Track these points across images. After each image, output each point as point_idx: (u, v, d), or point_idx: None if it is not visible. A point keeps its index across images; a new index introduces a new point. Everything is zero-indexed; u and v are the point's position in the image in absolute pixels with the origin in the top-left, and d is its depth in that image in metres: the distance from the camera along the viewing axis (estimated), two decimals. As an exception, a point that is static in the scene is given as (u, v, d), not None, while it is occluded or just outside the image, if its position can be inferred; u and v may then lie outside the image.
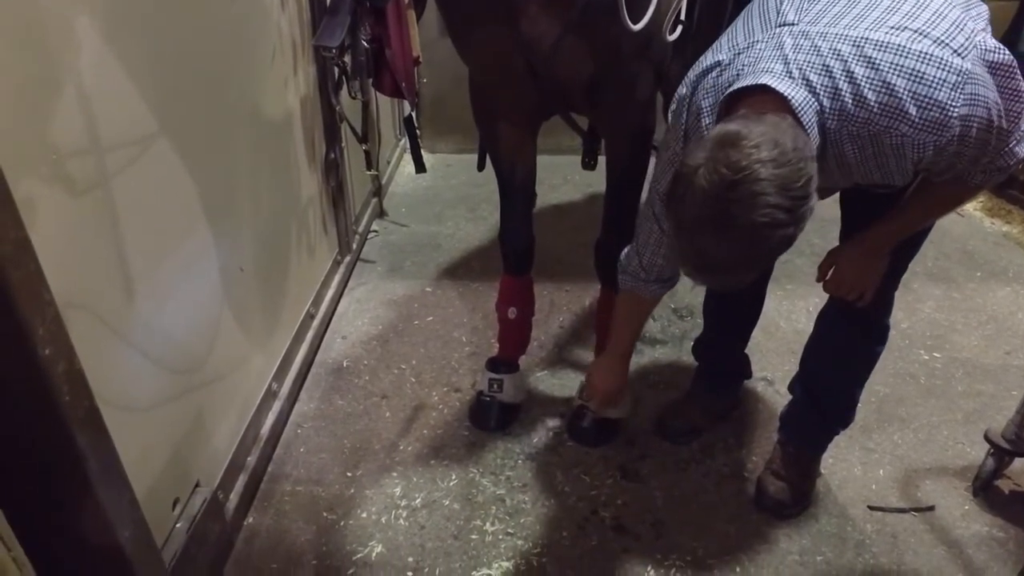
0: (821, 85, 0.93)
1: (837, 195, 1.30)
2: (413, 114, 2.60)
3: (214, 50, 1.30)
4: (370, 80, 2.19)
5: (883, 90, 0.90)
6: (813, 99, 0.93)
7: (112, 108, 0.94)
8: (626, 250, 1.33)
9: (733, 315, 1.64)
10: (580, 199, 3.08)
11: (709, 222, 0.86)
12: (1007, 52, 0.95)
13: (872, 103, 0.90)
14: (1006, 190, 3.10)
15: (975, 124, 0.91)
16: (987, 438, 1.48)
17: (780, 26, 1.01)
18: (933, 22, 0.92)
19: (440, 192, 3.19)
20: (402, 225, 2.83)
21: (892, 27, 0.92)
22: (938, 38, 0.91)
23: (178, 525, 1.11)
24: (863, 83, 0.90)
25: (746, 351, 1.72)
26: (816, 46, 0.95)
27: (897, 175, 1.00)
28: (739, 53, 1.02)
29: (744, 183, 0.83)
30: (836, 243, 1.33)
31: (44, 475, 0.73)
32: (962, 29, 0.92)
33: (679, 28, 1.14)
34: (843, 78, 0.92)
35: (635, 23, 0.92)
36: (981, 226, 2.92)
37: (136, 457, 1.00)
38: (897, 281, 1.29)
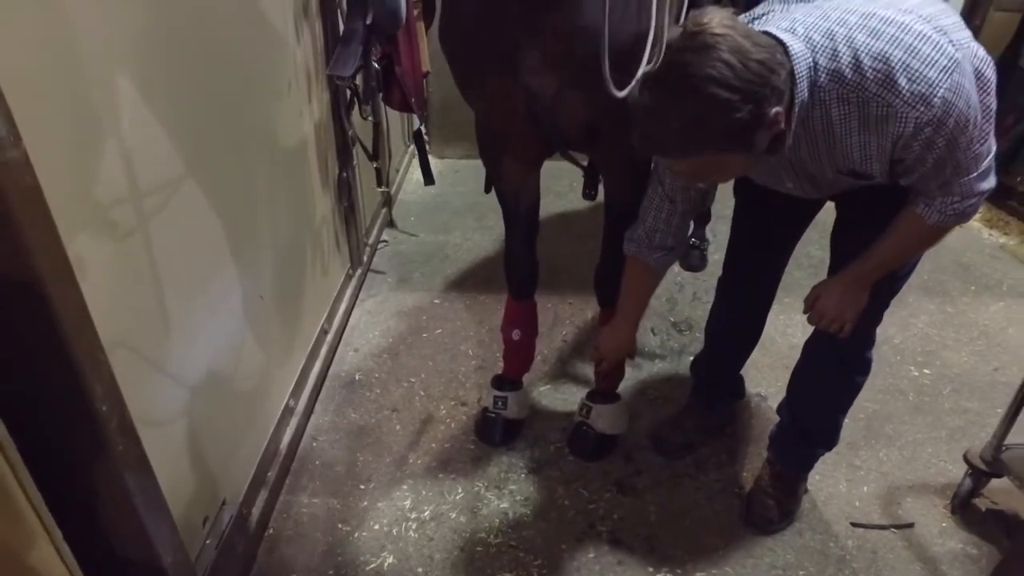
0: (821, 45, 1.01)
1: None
2: (422, 128, 2.69)
3: (236, 88, 1.38)
4: (380, 95, 2.27)
5: (879, 58, 0.97)
6: (809, 54, 1.01)
7: (147, 156, 1.03)
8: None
9: (734, 337, 1.72)
10: (585, 208, 3.15)
11: (666, 73, 0.95)
12: (993, 68, 1.05)
13: (867, 68, 0.98)
14: (1005, 201, 3.16)
15: (953, 115, 0.98)
16: (966, 459, 1.56)
17: (795, 2, 1.11)
18: (938, 16, 1.01)
19: (448, 199, 3.27)
20: (411, 235, 2.92)
21: (901, 9, 1.01)
22: (940, 26, 0.99)
23: (208, 542, 1.21)
24: (862, 49, 0.98)
25: (741, 371, 1.80)
26: (825, 13, 1.04)
27: (876, 160, 1.06)
28: (754, 18, 1.12)
29: (702, 35, 0.93)
30: (829, 254, 1.42)
31: (96, 510, 0.83)
32: (962, 29, 1.02)
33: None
34: (844, 42, 0.99)
35: (622, 87, 0.99)
36: (979, 237, 2.97)
37: (172, 481, 1.10)
38: (879, 318, 1.36)
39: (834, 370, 1.44)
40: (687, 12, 1.30)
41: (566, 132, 1.30)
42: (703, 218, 2.67)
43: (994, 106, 1.07)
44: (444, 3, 1.30)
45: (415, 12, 2.42)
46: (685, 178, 1.21)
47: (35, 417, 0.70)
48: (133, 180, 0.98)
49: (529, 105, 1.25)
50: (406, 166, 3.47)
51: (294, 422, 1.72)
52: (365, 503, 1.61)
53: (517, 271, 1.65)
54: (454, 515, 1.59)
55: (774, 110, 0.97)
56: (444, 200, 3.25)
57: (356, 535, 1.53)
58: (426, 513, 1.59)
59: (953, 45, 0.98)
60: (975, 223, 3.08)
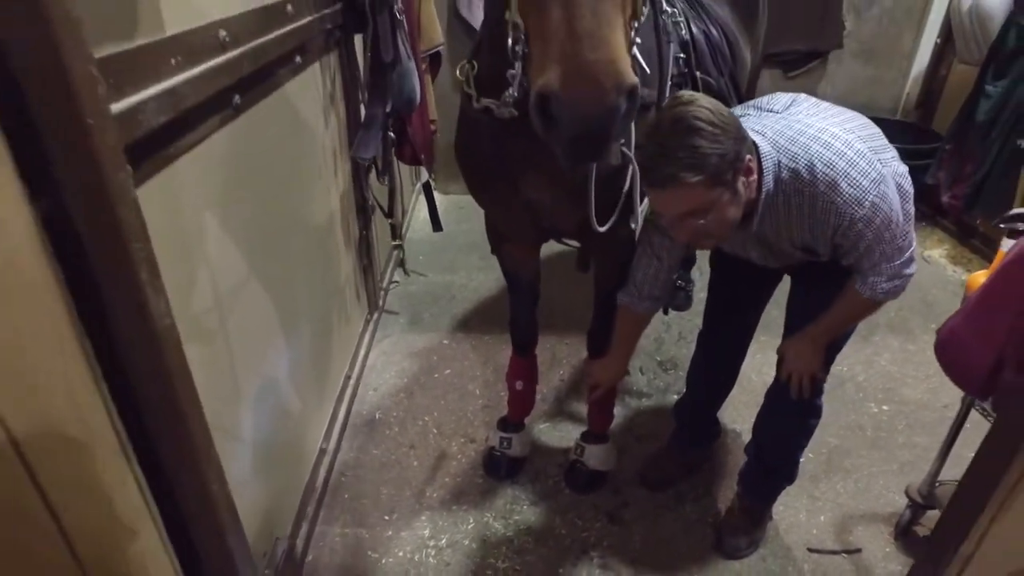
0: (784, 148, 1.30)
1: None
2: (431, 179, 2.95)
3: (279, 187, 1.63)
4: (393, 150, 2.52)
5: (828, 164, 1.26)
6: (775, 154, 1.30)
7: (225, 269, 1.28)
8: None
9: (712, 384, 1.97)
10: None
11: (664, 120, 1.20)
12: (910, 182, 1.36)
13: (818, 172, 1.26)
14: (968, 240, 3.41)
15: (879, 215, 1.26)
16: (907, 493, 1.82)
17: (767, 111, 1.41)
18: (872, 137, 1.33)
19: (453, 236, 3.51)
20: (420, 275, 3.18)
21: (846, 128, 1.31)
22: (873, 147, 1.31)
23: (266, 572, 1.46)
24: (815, 156, 1.27)
25: (717, 414, 2.06)
26: (789, 124, 1.33)
27: (821, 241, 1.35)
28: None
29: (680, 97, 1.21)
30: None
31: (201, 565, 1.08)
32: (888, 150, 1.33)
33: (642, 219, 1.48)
34: (802, 149, 1.29)
35: (603, 222, 1.25)
36: (944, 274, 3.23)
37: (244, 525, 1.36)
38: (826, 373, 1.62)
39: (791, 416, 1.70)
40: None
41: (561, 230, 1.56)
42: (688, 261, 2.93)
43: (912, 211, 1.35)
44: (461, 125, 1.54)
45: (423, 67, 2.70)
46: (687, 226, 1.32)
47: (171, 496, 0.95)
48: (217, 290, 1.24)
49: (530, 210, 1.50)
50: (413, 205, 3.72)
51: (326, 461, 1.97)
52: (390, 532, 1.86)
53: (520, 333, 1.91)
54: (467, 542, 1.84)
55: (747, 156, 1.25)
56: (449, 237, 3.49)
57: (383, 562, 1.78)
58: (443, 541, 1.84)
59: (881, 163, 1.29)
60: (941, 260, 3.34)
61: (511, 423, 2.05)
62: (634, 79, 0.83)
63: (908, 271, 1.37)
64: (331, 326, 2.11)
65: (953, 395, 2.40)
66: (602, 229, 1.20)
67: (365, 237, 2.43)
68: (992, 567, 0.96)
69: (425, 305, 2.93)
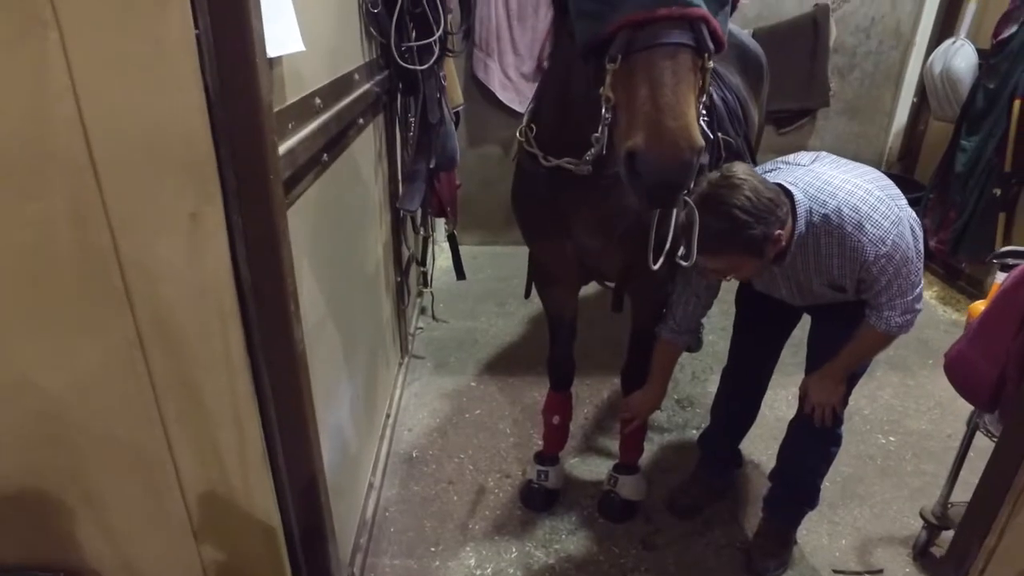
0: (814, 196, 1.50)
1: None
2: (455, 231, 3.13)
3: (350, 237, 1.80)
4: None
5: (853, 209, 1.46)
6: (806, 201, 1.50)
7: (311, 306, 1.43)
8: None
9: (736, 417, 2.12)
10: (600, 293, 3.54)
11: (708, 198, 1.40)
12: (920, 226, 1.55)
13: (845, 215, 1.46)
14: (955, 282, 3.64)
15: (899, 252, 1.46)
16: (921, 515, 1.95)
17: (796, 165, 1.62)
18: (887, 187, 1.54)
19: (470, 286, 3.63)
20: (443, 321, 3.32)
21: (866, 179, 1.52)
22: (889, 194, 1.51)
23: (338, 596, 1.55)
24: (842, 202, 1.47)
25: (739, 445, 2.20)
26: (817, 175, 1.54)
27: (848, 277, 1.53)
28: (765, 172, 1.62)
29: (731, 178, 1.42)
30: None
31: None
32: (901, 197, 1.54)
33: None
34: (829, 196, 1.49)
35: (656, 258, 1.42)
36: (935, 314, 3.43)
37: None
38: (845, 403, 1.78)
39: (813, 445, 1.84)
40: None
41: (604, 273, 1.74)
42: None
43: (922, 251, 1.54)
44: (518, 178, 1.72)
45: None
46: (717, 274, 1.63)
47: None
48: (306, 327, 1.38)
49: (577, 255, 1.68)
50: (432, 254, 3.89)
51: (374, 496, 2.08)
52: (437, 563, 1.96)
53: (559, 369, 2.06)
54: (512, 570, 1.93)
55: (777, 231, 1.45)
56: (467, 287, 3.62)
57: (434, 590, 1.87)
58: (488, 570, 1.94)
59: (898, 207, 1.50)
60: (932, 301, 3.54)
61: (547, 456, 2.17)
62: (702, 142, 1.02)
63: (918, 306, 1.55)
64: (376, 366, 2.24)
65: (955, 425, 2.57)
66: (655, 266, 1.37)
67: (401, 284, 2.59)
68: (1015, 558, 1.10)
69: (450, 350, 3.07)
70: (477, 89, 3.78)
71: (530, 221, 1.73)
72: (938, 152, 3.57)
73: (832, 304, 1.69)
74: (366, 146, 2.02)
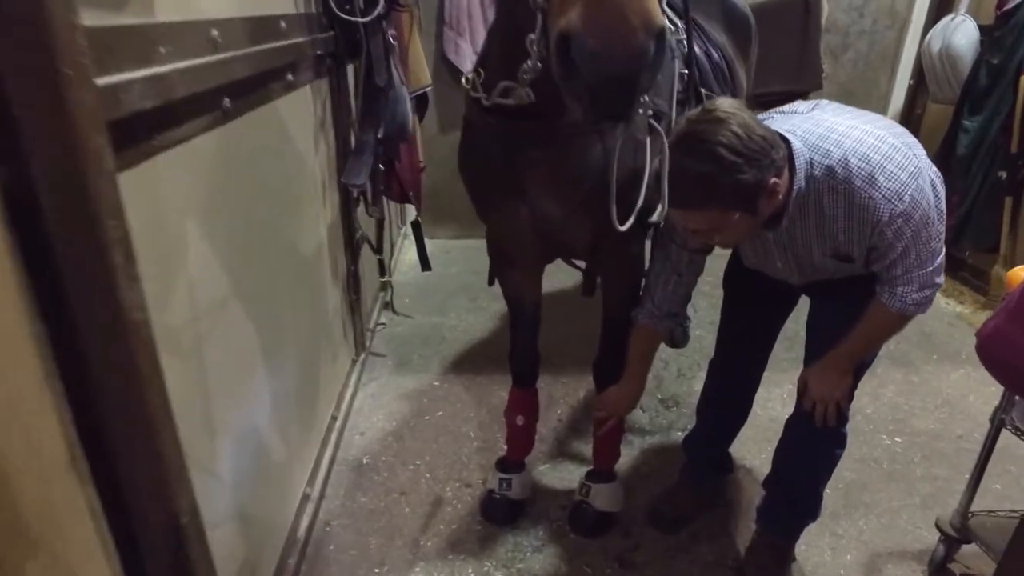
0: (815, 145, 1.23)
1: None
2: (419, 218, 2.88)
3: (267, 209, 1.54)
4: (381, 188, 2.46)
5: (863, 159, 1.19)
6: (807, 151, 1.23)
7: (206, 282, 1.17)
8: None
9: (724, 416, 1.87)
10: (573, 286, 3.32)
11: (687, 136, 1.15)
12: (942, 183, 1.29)
13: (853, 167, 1.19)
14: (958, 273, 3.42)
15: (919, 211, 1.20)
16: (937, 527, 1.70)
17: (792, 113, 1.34)
18: (903, 135, 1.26)
19: (441, 280, 3.43)
20: (408, 316, 3.06)
21: (877, 125, 1.25)
22: (907, 143, 1.24)
23: (244, 633, 1.28)
24: (850, 151, 1.20)
25: (728, 450, 1.94)
26: (818, 122, 1.27)
27: (856, 244, 1.26)
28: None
29: (715, 112, 1.14)
30: (804, 328, 1.61)
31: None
32: (919, 146, 1.26)
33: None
34: (834, 145, 1.22)
35: (622, 215, 1.17)
36: (938, 306, 3.20)
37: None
38: (851, 397, 1.52)
39: (814, 446, 1.59)
40: None
41: (568, 248, 1.48)
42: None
43: (944, 212, 1.28)
44: (465, 138, 1.48)
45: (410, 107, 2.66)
46: (699, 237, 1.34)
47: (129, 523, 0.81)
48: (195, 305, 1.12)
49: (536, 226, 1.43)
50: (399, 248, 3.64)
51: (310, 509, 1.81)
52: (380, 587, 1.69)
53: (521, 363, 1.80)
54: (466, 596, 1.67)
55: (773, 180, 1.18)
56: (436, 281, 3.41)
57: (374, 620, 1.60)
58: (439, 595, 1.67)
59: (916, 157, 1.23)
60: (933, 294, 3.31)
61: (511, 463, 1.91)
62: (663, 21, 0.76)
63: (939, 280, 1.31)
64: (318, 363, 1.98)
65: (966, 425, 2.32)
66: (623, 228, 1.13)
67: (353, 272, 2.33)
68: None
69: (414, 347, 2.81)
70: (448, 71, 3.54)
71: (480, 186, 1.48)
72: (937, 136, 3.35)
73: (835, 281, 1.44)
74: (300, 109, 1.76)
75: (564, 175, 1.31)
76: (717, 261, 1.68)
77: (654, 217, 1.19)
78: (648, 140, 1.20)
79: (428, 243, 3.87)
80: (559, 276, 3.46)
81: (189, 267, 1.11)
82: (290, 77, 1.63)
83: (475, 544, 1.82)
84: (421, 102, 2.99)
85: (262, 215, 1.49)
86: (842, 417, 1.54)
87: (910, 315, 1.35)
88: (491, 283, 1.89)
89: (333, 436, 2.10)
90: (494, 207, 1.48)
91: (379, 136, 2.01)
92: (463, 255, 3.73)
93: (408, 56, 2.76)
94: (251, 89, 1.38)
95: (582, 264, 1.75)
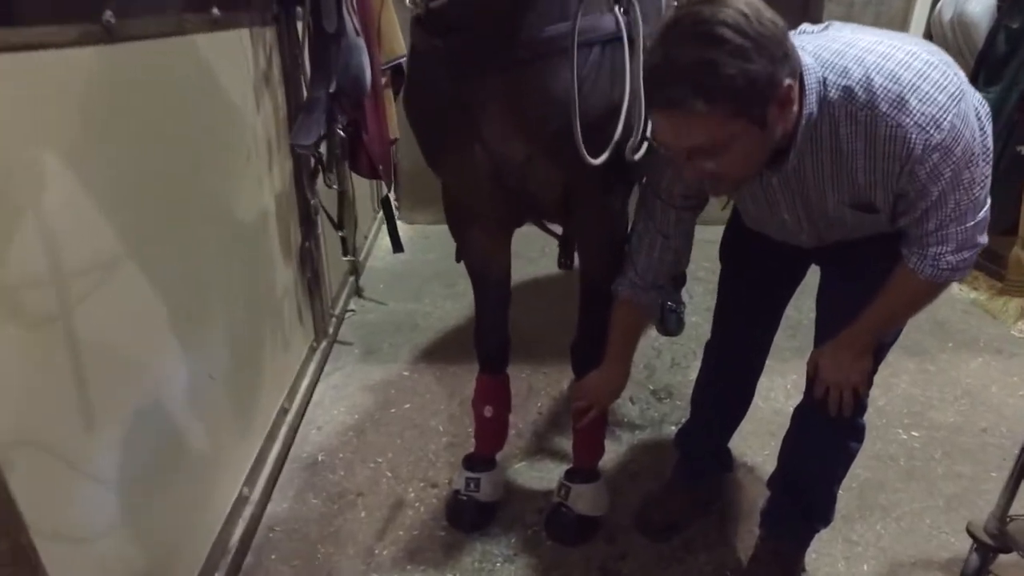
0: (831, 63, 0.98)
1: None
2: (390, 195, 2.64)
3: (184, 161, 1.31)
4: (346, 163, 2.22)
5: (890, 77, 0.95)
6: (819, 69, 0.98)
7: (77, 237, 0.94)
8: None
9: (723, 406, 1.64)
10: (557, 273, 3.08)
11: (679, 21, 0.91)
12: (988, 112, 1.03)
13: (878, 87, 0.95)
14: (972, 257, 3.19)
15: (960, 144, 0.95)
16: (970, 532, 1.47)
17: (800, 32, 1.08)
18: (941, 52, 1.00)
19: (417, 266, 3.20)
20: (380, 303, 2.83)
21: (907, 41, 0.99)
22: (944, 60, 0.98)
23: (136, 666, 1.05)
24: (873, 68, 0.95)
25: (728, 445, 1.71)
26: (835, 38, 1.01)
27: (880, 187, 1.02)
28: None
29: None
30: (809, 318, 1.38)
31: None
32: (956, 66, 0.99)
33: (645, 146, 1.18)
34: (854, 61, 0.97)
35: (597, 153, 0.95)
36: (950, 293, 2.98)
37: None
38: (869, 385, 1.29)
39: (827, 439, 1.36)
40: None
41: (537, 202, 1.25)
42: (678, 280, 2.63)
43: (991, 149, 1.04)
44: (409, 67, 1.26)
45: (382, 80, 2.43)
46: (693, 171, 1.03)
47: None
48: (56, 262, 0.89)
49: (497, 174, 1.19)
50: (375, 233, 3.41)
51: (248, 512, 1.57)
52: (324, 604, 1.46)
53: (487, 345, 1.57)
54: (423, 615, 1.44)
55: (787, 81, 0.92)
56: (413, 267, 3.19)
57: (313, 644, 1.37)
58: (392, 614, 1.44)
59: (957, 77, 0.98)
60: (945, 279, 3.09)
61: (479, 459, 1.67)
62: None
63: (981, 239, 1.07)
64: (260, 346, 1.74)
65: (989, 417, 2.10)
66: (596, 161, 0.90)
67: (309, 249, 2.09)
68: None
69: (384, 335, 2.57)
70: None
71: (428, 127, 1.25)
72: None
73: (852, 243, 1.22)
74: (233, 54, 1.54)
75: (524, 108, 1.08)
76: (711, 248, 1.46)
77: (635, 154, 0.95)
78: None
79: (406, 228, 3.68)
80: (543, 263, 3.26)
81: (46, 215, 0.88)
82: (216, 12, 1.40)
83: (438, 553, 1.59)
84: (397, 74, 2.76)
85: (174, 168, 1.26)
86: (859, 406, 1.31)
87: (943, 283, 1.11)
88: (459, 259, 1.66)
89: (282, 431, 1.86)
90: (446, 152, 1.25)
91: (331, 91, 1.77)
92: (441, 241, 3.46)
93: (381, 22, 2.53)
94: (151, 11, 1.15)
95: (558, 230, 1.52)
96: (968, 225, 1.04)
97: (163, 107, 1.21)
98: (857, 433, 1.36)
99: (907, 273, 1.11)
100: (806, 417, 1.39)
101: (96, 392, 0.99)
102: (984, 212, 1.05)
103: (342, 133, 2.04)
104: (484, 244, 1.44)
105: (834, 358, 1.24)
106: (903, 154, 0.97)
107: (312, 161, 2.02)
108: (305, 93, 1.86)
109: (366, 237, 3.20)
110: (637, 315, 1.38)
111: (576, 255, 1.53)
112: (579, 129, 0.91)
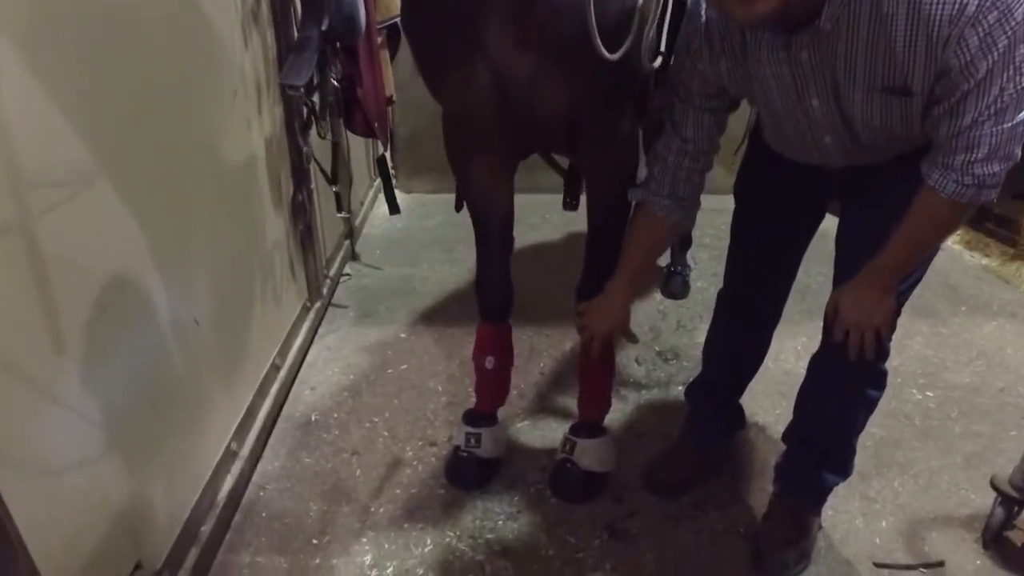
0: None
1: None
2: (387, 154, 2.55)
3: (165, 89, 1.21)
4: (341, 120, 2.13)
5: None
6: None
7: (37, 144, 0.85)
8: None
9: (736, 359, 1.56)
10: (560, 239, 3.03)
11: None
12: None
13: None
14: (983, 223, 3.11)
15: (1020, 8, 0.84)
16: (994, 486, 1.40)
17: None
18: None
19: (415, 234, 3.12)
20: (376, 268, 2.74)
21: None
22: None
23: (113, 616, 0.98)
24: None
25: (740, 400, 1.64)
26: None
27: (921, 63, 0.92)
28: None
29: None
30: (819, 282, 1.29)
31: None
32: None
33: (659, 57, 1.09)
34: None
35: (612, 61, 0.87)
36: (961, 259, 2.91)
37: (59, 539, 0.89)
38: (892, 328, 1.21)
39: (846, 385, 1.29)
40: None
41: (543, 128, 1.17)
42: (684, 243, 2.55)
43: None
44: None
45: (379, 39, 2.32)
46: None
47: None
48: (13, 167, 0.80)
49: (501, 95, 1.11)
50: (372, 200, 3.32)
51: (237, 468, 1.50)
52: (318, 560, 1.38)
53: (489, 290, 1.49)
54: (421, 571, 1.36)
55: None
56: (411, 234, 3.10)
57: (306, 600, 1.30)
58: (389, 570, 1.37)
59: None
60: (956, 246, 3.01)
61: (480, 415, 1.60)
62: None
63: (1016, 149, 0.96)
64: (250, 298, 1.66)
65: (1007, 378, 2.04)
66: (614, 57, 0.82)
67: (302, 203, 2.00)
68: None
69: (381, 298, 2.49)
70: None
71: (429, 44, 1.16)
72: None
73: (876, 169, 1.14)
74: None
75: (531, 14, 0.99)
76: (717, 216, 1.37)
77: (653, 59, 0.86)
78: None
79: (404, 197, 3.58)
80: (544, 229, 3.17)
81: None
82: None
83: (436, 511, 1.52)
84: (393, 33, 2.66)
85: (155, 95, 1.17)
86: (882, 350, 1.22)
87: (966, 205, 1.00)
88: (459, 207, 1.57)
89: (274, 387, 1.78)
90: (447, 69, 1.16)
91: (323, 29, 1.67)
92: (441, 208, 3.38)
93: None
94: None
95: (564, 164, 1.43)
96: (1005, 126, 0.92)
97: (144, 35, 1.12)
98: (878, 380, 1.29)
99: (928, 194, 1.02)
100: (824, 364, 1.32)
101: (67, 317, 0.91)
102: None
103: (335, 82, 1.95)
104: (486, 179, 1.35)
105: (855, 297, 1.16)
106: (953, 12, 0.85)
107: (304, 111, 1.93)
108: (296, 33, 1.77)
109: (362, 203, 3.11)
110: (655, 226, 1.27)
111: (583, 195, 1.44)
112: (594, 22, 0.83)
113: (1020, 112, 0.92)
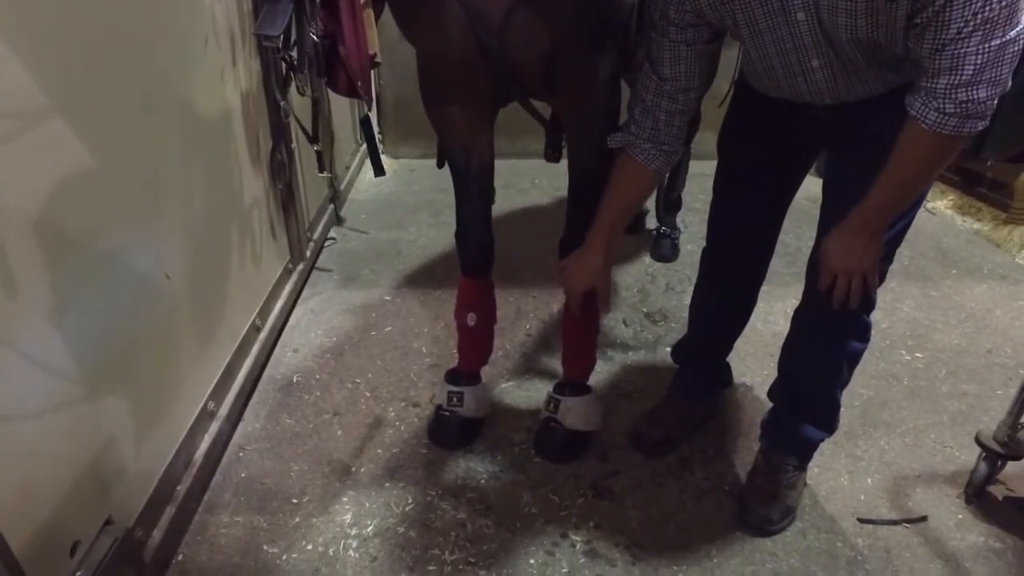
0: None
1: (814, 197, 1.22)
2: (370, 115, 2.49)
3: (128, 31, 1.16)
4: (324, 80, 2.06)
5: None
6: None
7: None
8: None
9: (722, 316, 1.54)
10: (547, 202, 2.98)
11: None
12: None
13: None
14: (975, 188, 3.08)
15: None
16: (979, 441, 1.40)
17: None
18: None
19: (402, 198, 3.06)
20: (361, 232, 2.70)
21: None
22: None
23: (79, 574, 0.95)
24: None
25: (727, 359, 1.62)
26: None
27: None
28: None
29: None
30: (809, 246, 1.26)
31: None
32: None
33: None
34: None
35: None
36: (953, 224, 2.89)
37: (21, 495, 0.86)
38: (879, 278, 1.18)
39: (830, 336, 1.27)
40: None
41: (520, 69, 1.11)
42: (674, 206, 2.51)
43: None
44: None
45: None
46: None
47: None
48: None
49: (475, 31, 1.05)
50: (358, 165, 3.25)
51: (214, 427, 1.47)
52: (297, 519, 1.36)
53: (470, 244, 1.45)
54: (402, 530, 1.35)
55: None
56: (398, 198, 3.05)
57: (284, 557, 1.28)
58: (369, 529, 1.35)
59: None
60: (947, 210, 2.99)
61: (463, 373, 1.57)
62: None
63: (1005, 74, 0.89)
64: (227, 256, 1.61)
65: (995, 339, 2.03)
66: None
67: (282, 161, 1.95)
68: None
69: (365, 262, 2.45)
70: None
71: None
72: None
73: (863, 113, 1.09)
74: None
75: None
76: (705, 180, 1.32)
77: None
78: None
79: (391, 162, 3.52)
80: (533, 194, 3.12)
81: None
82: None
83: (418, 470, 1.50)
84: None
85: (112, 27, 1.11)
86: (867, 300, 1.19)
87: (948, 138, 0.94)
88: (440, 163, 1.52)
89: (254, 348, 1.75)
90: (418, 6, 1.10)
91: (300, -25, 1.60)
92: (428, 174, 3.34)
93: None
94: None
95: (546, 113, 1.38)
96: (993, 43, 0.86)
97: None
98: (862, 332, 1.27)
99: (910, 127, 0.97)
100: (808, 316, 1.30)
101: (18, 262, 0.86)
102: (1016, 32, 0.86)
103: (315, 37, 1.87)
104: (464, 126, 1.30)
105: (842, 242, 1.12)
106: None
107: (283, 67, 1.86)
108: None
109: (348, 167, 3.04)
110: (636, 172, 1.22)
111: (564, 145, 1.40)
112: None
113: (1011, 29, 0.86)
